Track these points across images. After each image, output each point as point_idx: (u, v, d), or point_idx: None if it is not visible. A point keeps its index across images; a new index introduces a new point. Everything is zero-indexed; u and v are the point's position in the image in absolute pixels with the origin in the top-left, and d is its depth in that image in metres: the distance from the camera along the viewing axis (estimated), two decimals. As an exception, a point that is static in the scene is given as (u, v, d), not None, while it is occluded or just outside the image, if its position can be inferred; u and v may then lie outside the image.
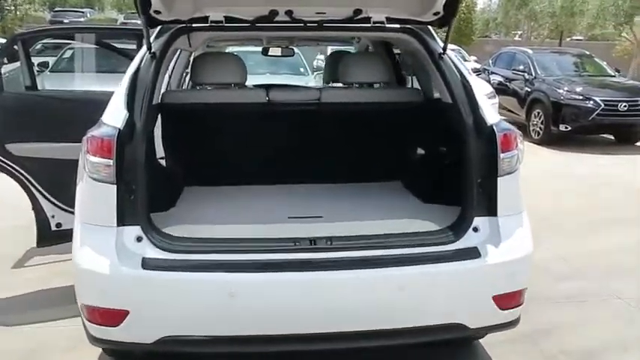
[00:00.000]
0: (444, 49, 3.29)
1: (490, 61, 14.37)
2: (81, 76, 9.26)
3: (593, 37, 27.93)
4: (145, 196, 2.77)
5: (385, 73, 3.86)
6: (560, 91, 11.21)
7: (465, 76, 3.19)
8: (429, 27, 3.46)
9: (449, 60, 3.28)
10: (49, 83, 8.43)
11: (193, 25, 3.34)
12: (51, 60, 11.54)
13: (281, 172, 3.89)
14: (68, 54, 11.24)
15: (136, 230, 2.72)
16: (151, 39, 3.24)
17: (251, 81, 7.16)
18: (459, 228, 2.89)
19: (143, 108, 2.87)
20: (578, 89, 11.21)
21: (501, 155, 2.86)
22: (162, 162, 3.91)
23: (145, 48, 3.17)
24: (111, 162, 2.68)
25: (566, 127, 10.93)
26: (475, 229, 2.87)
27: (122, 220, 2.71)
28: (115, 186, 2.69)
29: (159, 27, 3.33)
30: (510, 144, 2.89)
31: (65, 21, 29.46)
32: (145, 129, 2.83)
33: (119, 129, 2.74)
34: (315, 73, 11.65)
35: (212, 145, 3.84)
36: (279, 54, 6.82)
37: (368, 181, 3.98)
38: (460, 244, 2.83)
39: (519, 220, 2.93)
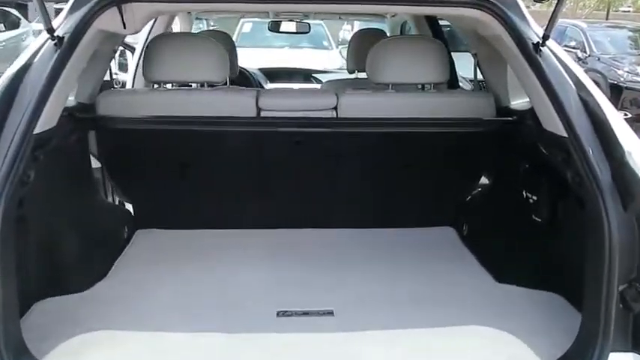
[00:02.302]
0: (545, 36, 1.97)
1: (535, 36, 12.93)
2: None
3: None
4: (10, 303, 1.53)
5: (442, 71, 2.52)
6: (620, 72, 9.92)
7: (588, 87, 1.86)
8: (518, 0, 2.14)
9: (552, 57, 1.96)
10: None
11: None
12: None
13: (273, 211, 2.66)
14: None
15: None
16: (60, 17, 1.99)
17: (268, 57, 6.12)
18: None
19: (13, 143, 1.61)
20: (642, 70, 9.83)
21: None
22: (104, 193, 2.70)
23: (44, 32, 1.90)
24: None
25: (626, 114, 9.49)
26: None
27: None
28: None
29: None
30: None
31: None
32: (8, 179, 1.56)
33: None
34: (340, 46, 10.37)
35: (172, 174, 2.58)
36: (294, 30, 5.50)
37: (404, 226, 2.71)
38: None
39: None
